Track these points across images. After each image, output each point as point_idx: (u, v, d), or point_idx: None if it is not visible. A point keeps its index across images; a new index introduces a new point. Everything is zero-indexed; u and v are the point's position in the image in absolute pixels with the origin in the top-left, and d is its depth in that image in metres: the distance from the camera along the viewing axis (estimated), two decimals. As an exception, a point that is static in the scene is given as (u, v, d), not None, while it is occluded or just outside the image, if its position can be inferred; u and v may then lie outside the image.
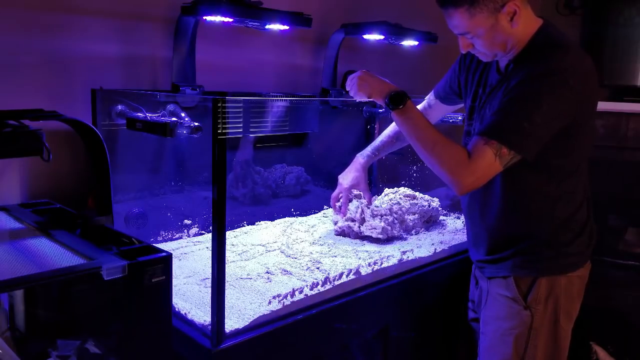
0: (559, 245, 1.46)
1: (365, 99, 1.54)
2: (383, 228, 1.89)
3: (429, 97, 1.81)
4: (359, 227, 1.91)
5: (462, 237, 2.02)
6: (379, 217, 1.92)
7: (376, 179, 2.49)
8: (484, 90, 1.51)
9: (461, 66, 1.64)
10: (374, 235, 1.88)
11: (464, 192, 1.37)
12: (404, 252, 1.78)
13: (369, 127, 2.45)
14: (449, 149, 1.35)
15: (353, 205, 1.94)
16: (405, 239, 1.96)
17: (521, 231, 1.48)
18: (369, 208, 1.93)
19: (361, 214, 1.92)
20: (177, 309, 1.37)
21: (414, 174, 2.39)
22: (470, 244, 1.65)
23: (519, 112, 1.30)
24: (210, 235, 1.47)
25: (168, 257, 1.13)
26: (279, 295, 1.41)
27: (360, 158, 1.91)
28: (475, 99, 1.55)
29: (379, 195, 2.18)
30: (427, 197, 2.16)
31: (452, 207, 2.37)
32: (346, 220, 1.93)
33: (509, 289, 1.48)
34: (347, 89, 1.57)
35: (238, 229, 1.97)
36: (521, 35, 1.37)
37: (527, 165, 1.35)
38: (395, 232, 1.93)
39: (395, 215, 1.96)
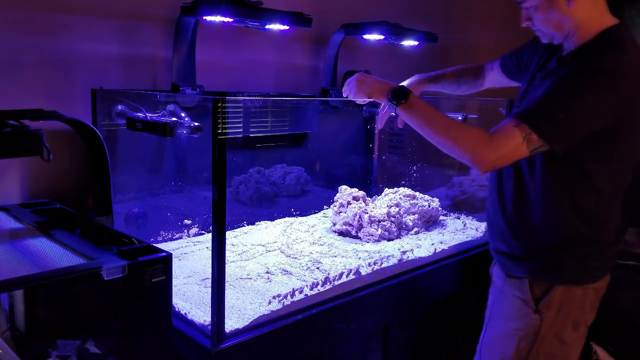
0: (582, 256, 1.40)
1: (365, 100, 1.54)
2: (380, 235, 1.89)
3: (493, 62, 1.75)
4: (356, 232, 1.92)
5: (462, 237, 2.02)
6: (377, 222, 1.92)
7: (376, 179, 2.49)
8: (540, 74, 1.45)
9: (532, 45, 1.57)
10: (370, 242, 1.88)
11: (486, 169, 1.32)
12: (404, 252, 1.78)
13: (368, 127, 2.46)
14: (466, 129, 1.33)
15: (351, 211, 1.94)
16: (402, 239, 1.96)
17: (545, 233, 1.41)
18: (366, 214, 1.93)
19: (359, 220, 1.92)
20: (177, 309, 1.37)
21: (414, 174, 2.39)
22: (490, 234, 1.59)
23: (559, 102, 1.26)
24: (210, 235, 1.47)
25: (168, 257, 1.13)
26: (279, 295, 1.41)
27: (417, 76, 1.81)
28: (530, 83, 1.48)
29: (379, 196, 2.18)
30: (427, 197, 2.16)
31: (452, 207, 2.38)
32: (344, 224, 1.94)
33: (522, 291, 1.44)
34: (345, 93, 1.54)
35: (238, 229, 1.97)
36: (583, 23, 1.33)
37: (560, 168, 1.32)
38: (393, 236, 1.94)
39: (392, 219, 1.96)
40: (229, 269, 1.56)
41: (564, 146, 1.28)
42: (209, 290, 1.27)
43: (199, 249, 1.76)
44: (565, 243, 1.40)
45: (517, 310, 1.46)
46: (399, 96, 1.40)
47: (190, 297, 1.43)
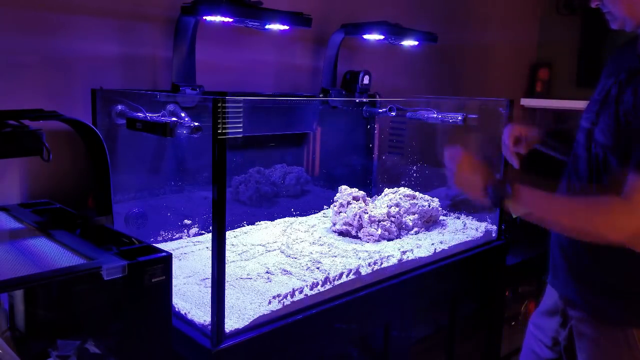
0: None
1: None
2: (380, 235, 1.89)
3: None
4: (356, 232, 1.92)
5: (462, 237, 2.02)
6: (377, 222, 1.93)
7: (376, 179, 2.49)
8: (615, 80, 1.25)
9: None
10: (370, 242, 1.88)
11: (634, 240, 1.14)
12: (404, 252, 1.78)
13: (369, 127, 2.46)
14: (595, 205, 1.15)
15: (351, 211, 1.94)
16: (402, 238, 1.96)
17: (634, 258, 1.23)
18: (366, 214, 1.93)
19: (359, 220, 1.92)
20: (177, 309, 1.37)
21: (414, 174, 2.39)
22: (560, 269, 1.39)
23: None
24: (210, 235, 1.47)
25: (168, 257, 1.13)
26: (279, 295, 1.41)
27: None
28: (602, 91, 1.29)
29: (379, 195, 2.18)
30: (427, 197, 2.16)
31: (452, 207, 2.37)
32: (344, 224, 1.94)
33: (628, 343, 1.26)
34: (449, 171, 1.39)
35: (238, 229, 1.97)
36: None
37: None
38: (393, 236, 1.94)
39: (392, 219, 1.96)
40: (229, 269, 1.56)
41: None
42: (209, 290, 1.27)
43: (199, 249, 1.76)
44: None
45: None
46: (500, 193, 1.26)
47: (190, 297, 1.43)
